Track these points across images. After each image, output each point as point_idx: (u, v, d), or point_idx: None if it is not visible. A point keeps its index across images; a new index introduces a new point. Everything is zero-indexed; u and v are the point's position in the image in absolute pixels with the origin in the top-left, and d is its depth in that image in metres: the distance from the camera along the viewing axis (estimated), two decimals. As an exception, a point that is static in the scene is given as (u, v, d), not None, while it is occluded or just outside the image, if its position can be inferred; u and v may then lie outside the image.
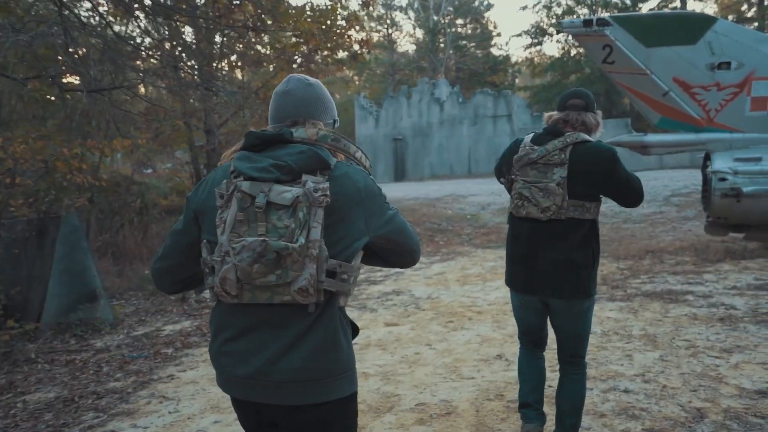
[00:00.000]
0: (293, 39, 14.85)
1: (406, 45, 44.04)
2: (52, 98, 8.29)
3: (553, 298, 3.07)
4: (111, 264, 10.45)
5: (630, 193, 3.08)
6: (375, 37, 42.85)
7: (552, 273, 3.03)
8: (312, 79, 1.97)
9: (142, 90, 15.49)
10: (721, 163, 8.65)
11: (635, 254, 9.42)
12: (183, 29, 14.29)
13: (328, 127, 1.95)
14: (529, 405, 3.31)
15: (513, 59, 41.43)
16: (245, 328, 1.77)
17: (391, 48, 41.83)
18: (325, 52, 15.18)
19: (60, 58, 6.64)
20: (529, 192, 3.05)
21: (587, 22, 8.90)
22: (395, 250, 1.94)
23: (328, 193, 1.70)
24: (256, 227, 1.69)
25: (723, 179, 8.51)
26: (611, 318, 5.92)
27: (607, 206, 15.30)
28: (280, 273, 1.67)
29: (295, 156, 1.76)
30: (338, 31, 14.01)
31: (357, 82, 41.94)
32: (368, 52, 15.42)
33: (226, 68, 16.36)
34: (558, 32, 33.06)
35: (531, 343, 3.39)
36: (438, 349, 5.30)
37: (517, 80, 42.89)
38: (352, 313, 6.81)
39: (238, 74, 16.91)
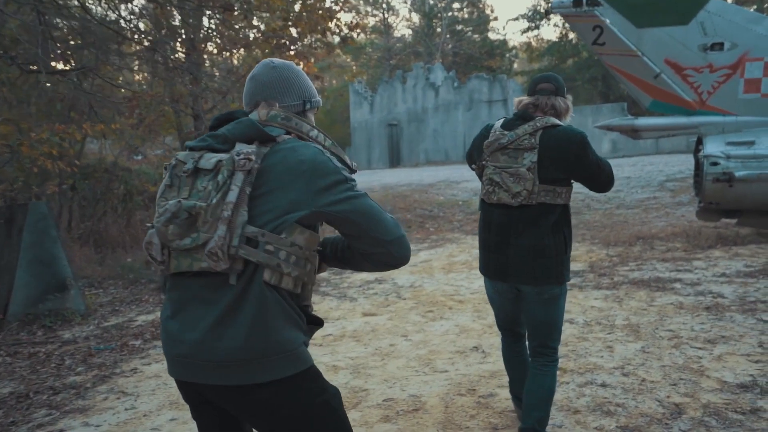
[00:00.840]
0: (280, 22, 14.60)
1: (402, 30, 43.50)
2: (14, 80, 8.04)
3: (525, 285, 3.01)
4: (93, 252, 10.26)
5: (600, 178, 3.01)
6: (371, 21, 42.54)
7: (524, 259, 2.97)
8: (279, 62, 1.95)
9: (124, 75, 15.24)
10: (713, 146, 8.43)
11: (626, 240, 9.23)
12: (171, 10, 14.03)
13: (293, 108, 1.92)
14: (518, 398, 3.34)
15: (510, 44, 41.12)
16: (179, 304, 1.75)
17: (387, 33, 41.41)
18: (317, 36, 14.94)
19: (21, 39, 6.40)
20: (500, 177, 2.99)
21: (577, 2, 8.64)
22: (363, 238, 1.81)
23: (253, 158, 1.69)
24: (180, 192, 1.73)
25: (715, 163, 8.29)
26: (595, 307, 5.73)
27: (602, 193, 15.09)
28: (195, 236, 1.67)
29: (231, 126, 1.78)
30: (322, 13, 13.74)
31: (354, 68, 41.58)
32: (358, 35, 15.14)
33: (215, 51, 16.11)
34: (547, 14, 32.65)
35: (510, 332, 3.36)
36: (414, 340, 5.11)
37: (515, 65, 42.54)
38: (331, 303, 6.63)
39: (227, 59, 16.66)
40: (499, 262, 3.05)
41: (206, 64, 16.55)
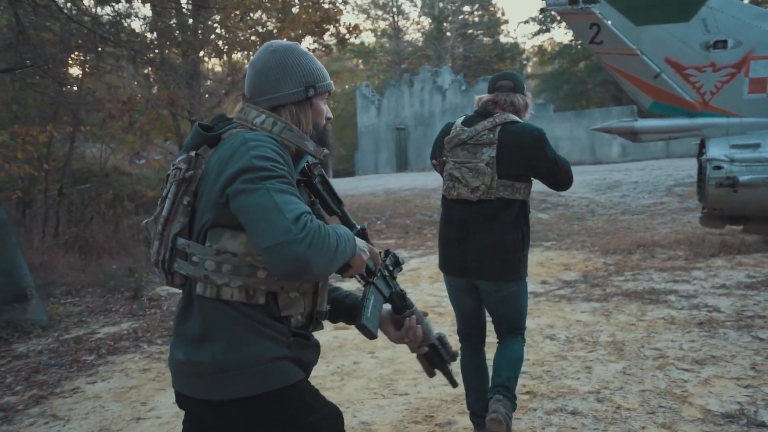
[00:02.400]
0: (277, 24, 14.36)
1: (413, 33, 43.14)
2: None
3: (482, 281, 3.05)
4: (77, 258, 10.01)
5: (559, 175, 3.05)
6: (382, 25, 42.26)
7: (482, 254, 3.00)
8: (279, 44, 1.77)
9: (121, 81, 15.04)
10: (716, 150, 7.99)
11: (626, 248, 8.80)
12: (168, 11, 13.82)
13: (294, 97, 1.71)
14: (476, 414, 3.18)
15: (523, 46, 40.58)
16: (179, 310, 1.69)
17: (396, 36, 41.10)
18: (315, 38, 14.67)
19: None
20: (460, 172, 3.03)
21: (573, -1, 8.27)
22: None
23: (182, 166, 1.62)
24: None
25: (718, 167, 7.86)
26: (581, 321, 5.34)
27: (606, 197, 14.66)
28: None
29: (190, 134, 1.70)
30: (320, 14, 13.47)
31: (363, 71, 41.32)
32: (356, 37, 14.84)
33: (213, 54, 15.89)
34: (542, 12, 32.02)
35: (469, 336, 3.28)
36: (380, 357, 4.75)
37: (529, 68, 42.01)
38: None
39: (219, 65, 16.45)
40: (459, 257, 3.07)
41: (206, 66, 16.36)
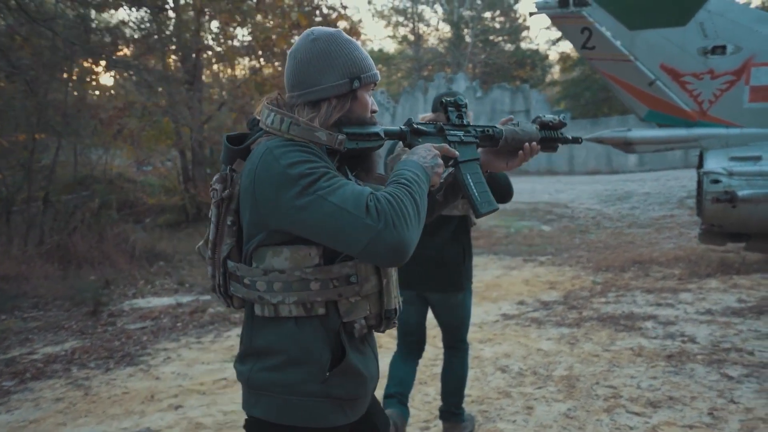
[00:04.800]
0: (278, 29, 14.18)
1: (433, 40, 42.67)
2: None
3: (430, 292, 3.28)
4: (56, 268, 9.80)
5: (496, 189, 2.96)
6: (402, 31, 41.94)
7: (425, 268, 3.16)
8: (320, 32, 1.61)
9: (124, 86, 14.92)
10: (714, 162, 7.46)
11: (620, 265, 8.31)
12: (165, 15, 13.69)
13: (337, 90, 1.57)
14: (392, 396, 3.30)
15: (545, 53, 39.85)
16: (242, 330, 1.68)
17: (417, 43, 40.75)
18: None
19: None
20: None
21: (563, 2, 7.80)
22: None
23: (217, 187, 1.56)
24: None
25: (716, 181, 7.32)
26: (542, 350, 4.90)
27: (615, 209, 14.09)
28: None
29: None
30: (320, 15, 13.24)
31: (383, 78, 41.01)
32: (358, 39, 14.54)
33: (214, 60, 15.73)
34: (531, 16, 31.21)
35: (408, 346, 3.44)
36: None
37: (555, 75, 41.30)
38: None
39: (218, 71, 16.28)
40: (402, 270, 2.99)
41: (207, 73, 16.20)
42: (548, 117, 1.93)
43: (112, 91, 13.82)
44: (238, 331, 6.09)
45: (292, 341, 1.50)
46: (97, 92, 13.93)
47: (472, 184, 1.73)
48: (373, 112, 1.67)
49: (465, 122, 1.79)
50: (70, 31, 8.08)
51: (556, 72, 42.32)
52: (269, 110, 1.56)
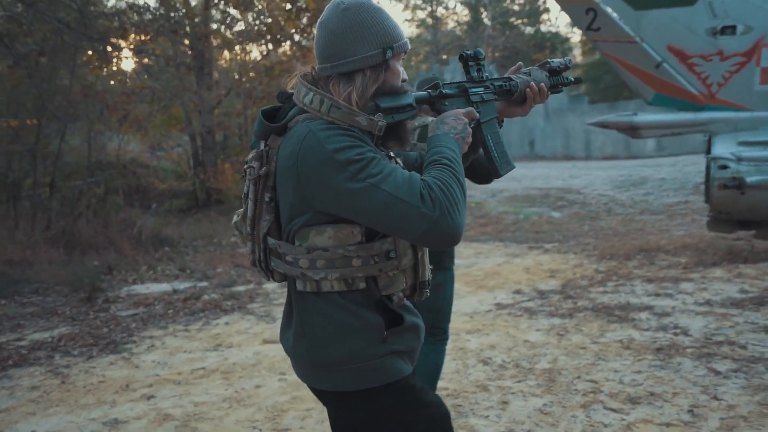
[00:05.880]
0: (284, 16, 14.05)
1: (451, 23, 42.19)
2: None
3: None
4: (61, 253, 9.84)
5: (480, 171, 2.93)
6: (420, 14, 41.53)
7: None
8: (351, 1, 1.57)
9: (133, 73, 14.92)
10: (722, 147, 7.22)
11: (625, 253, 8.10)
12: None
13: (370, 60, 1.55)
14: None
15: (566, 36, 39.20)
16: (286, 304, 1.70)
17: (435, 27, 40.33)
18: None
19: None
20: None
21: (567, -18, 7.60)
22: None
23: (255, 165, 1.57)
24: None
25: (724, 167, 7.10)
26: (529, 342, 4.76)
27: (628, 195, 13.81)
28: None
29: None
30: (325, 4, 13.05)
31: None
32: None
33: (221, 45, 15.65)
34: None
35: None
36: (289, 380, 4.28)
37: (574, 59, 40.65)
38: (246, 323, 5.88)
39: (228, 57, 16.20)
40: None
41: (216, 59, 16.13)
42: (555, 62, 1.97)
43: (128, 78, 13.81)
44: (227, 319, 6.04)
45: (341, 311, 1.54)
46: (111, 81, 13.97)
47: (492, 144, 1.78)
48: (403, 81, 1.66)
49: (484, 76, 1.79)
50: (73, 16, 8.02)
51: (577, 55, 41.71)
52: (307, 89, 1.54)
